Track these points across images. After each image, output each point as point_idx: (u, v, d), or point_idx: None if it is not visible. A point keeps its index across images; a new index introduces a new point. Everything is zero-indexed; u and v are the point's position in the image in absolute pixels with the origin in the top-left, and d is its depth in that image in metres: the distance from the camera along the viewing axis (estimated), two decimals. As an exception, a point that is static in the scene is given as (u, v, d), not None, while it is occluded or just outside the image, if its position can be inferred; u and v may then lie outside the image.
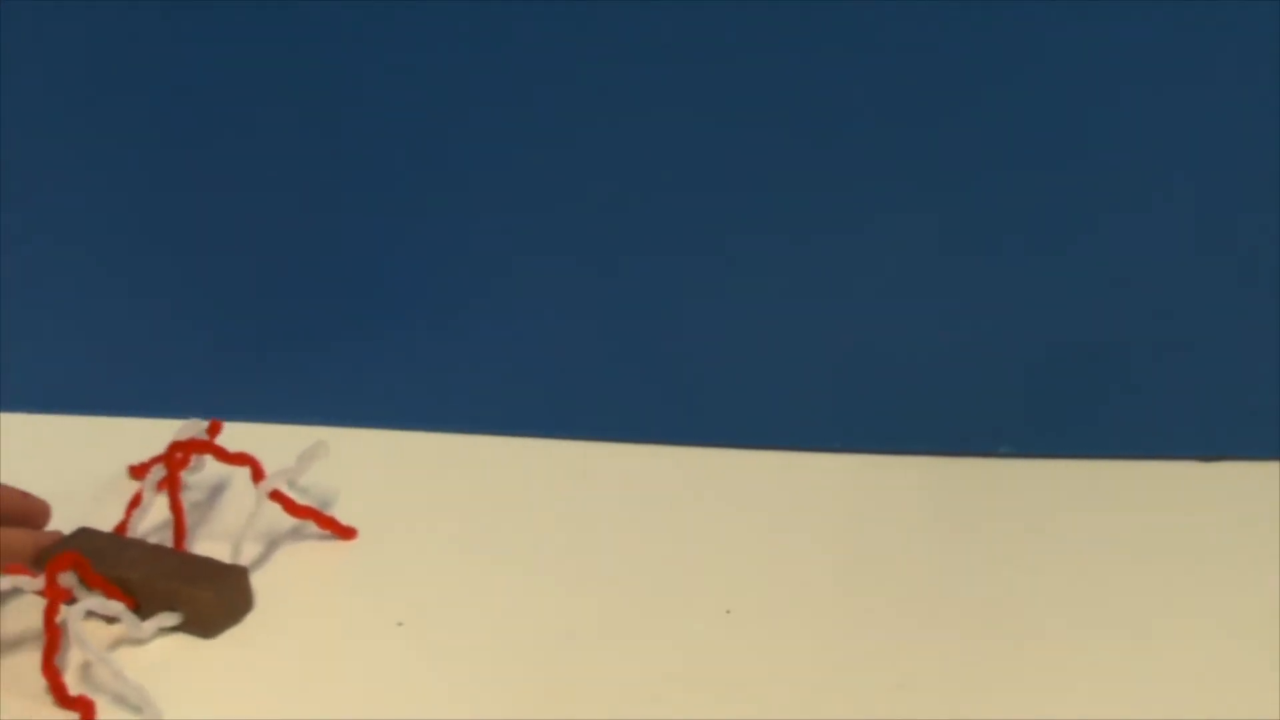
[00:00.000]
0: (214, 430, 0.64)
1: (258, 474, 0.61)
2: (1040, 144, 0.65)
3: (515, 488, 0.67)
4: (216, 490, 0.66)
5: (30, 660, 0.54)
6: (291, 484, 0.62)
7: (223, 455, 0.63)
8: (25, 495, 0.59)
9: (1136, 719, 0.52)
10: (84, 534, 0.59)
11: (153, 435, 0.65)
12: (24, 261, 0.75)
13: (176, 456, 0.63)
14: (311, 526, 0.62)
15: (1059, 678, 0.54)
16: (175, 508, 0.62)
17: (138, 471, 0.66)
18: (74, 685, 0.53)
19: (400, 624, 0.57)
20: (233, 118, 0.71)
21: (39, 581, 0.54)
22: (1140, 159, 0.64)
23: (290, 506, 0.61)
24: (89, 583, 0.55)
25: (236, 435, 0.66)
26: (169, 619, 0.55)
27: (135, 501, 0.63)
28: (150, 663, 0.55)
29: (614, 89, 0.67)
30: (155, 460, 0.64)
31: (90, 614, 0.54)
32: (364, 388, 0.74)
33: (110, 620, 0.55)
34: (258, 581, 0.58)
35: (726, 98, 0.66)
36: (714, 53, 0.65)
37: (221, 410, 0.68)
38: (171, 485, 0.63)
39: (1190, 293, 0.66)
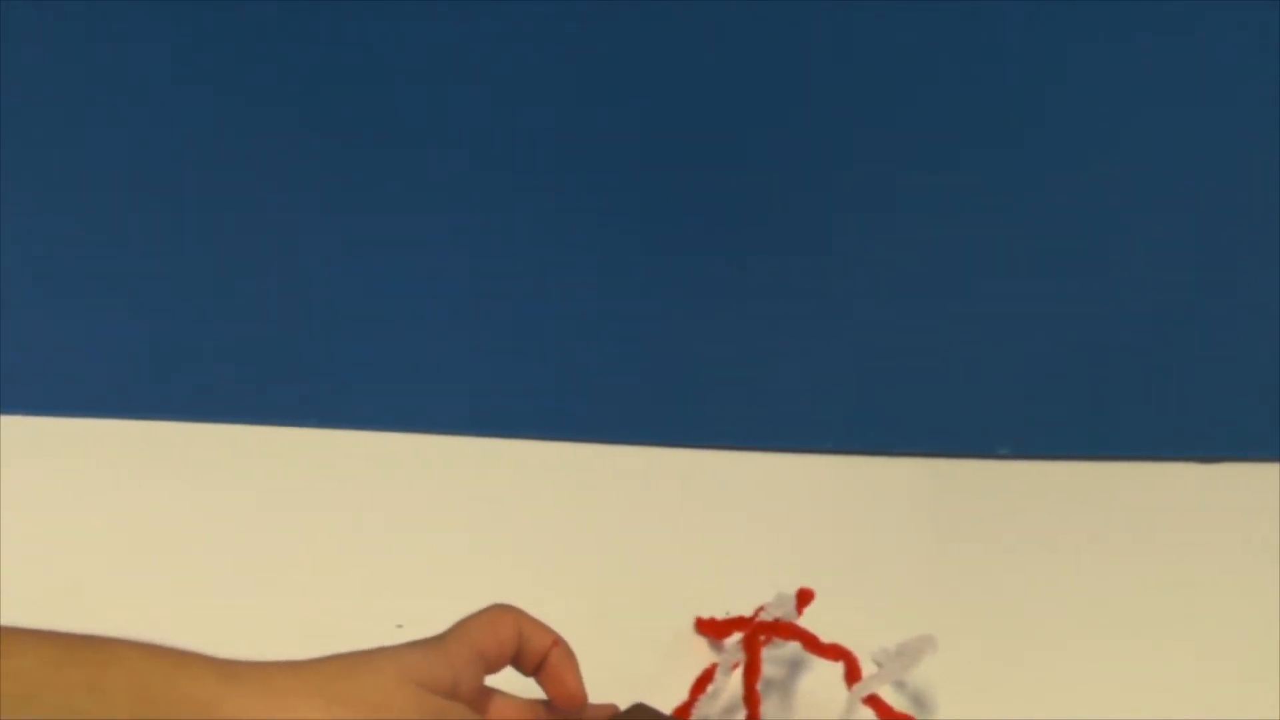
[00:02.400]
0: (803, 600, 0.54)
1: (853, 672, 0.52)
2: (1048, 149, 0.64)
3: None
4: (794, 668, 0.57)
5: None
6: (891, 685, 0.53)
7: (814, 646, 0.53)
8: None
9: (1136, 718, 0.53)
10: (640, 713, 0.50)
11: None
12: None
13: (760, 639, 0.54)
14: (905, 737, 0.53)
15: (1058, 677, 0.55)
16: (750, 699, 0.52)
17: (706, 627, 0.58)
18: None
19: None
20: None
21: None
22: (1142, 164, 0.64)
23: (887, 715, 0.52)
24: None
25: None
26: None
27: (703, 681, 0.54)
28: None
29: (614, 94, 0.66)
30: (731, 624, 0.56)
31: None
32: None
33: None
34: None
35: (726, 99, 0.65)
36: (716, 55, 0.64)
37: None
38: (750, 674, 0.52)
39: (1191, 296, 0.66)
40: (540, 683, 0.48)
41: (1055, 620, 0.58)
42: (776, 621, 0.53)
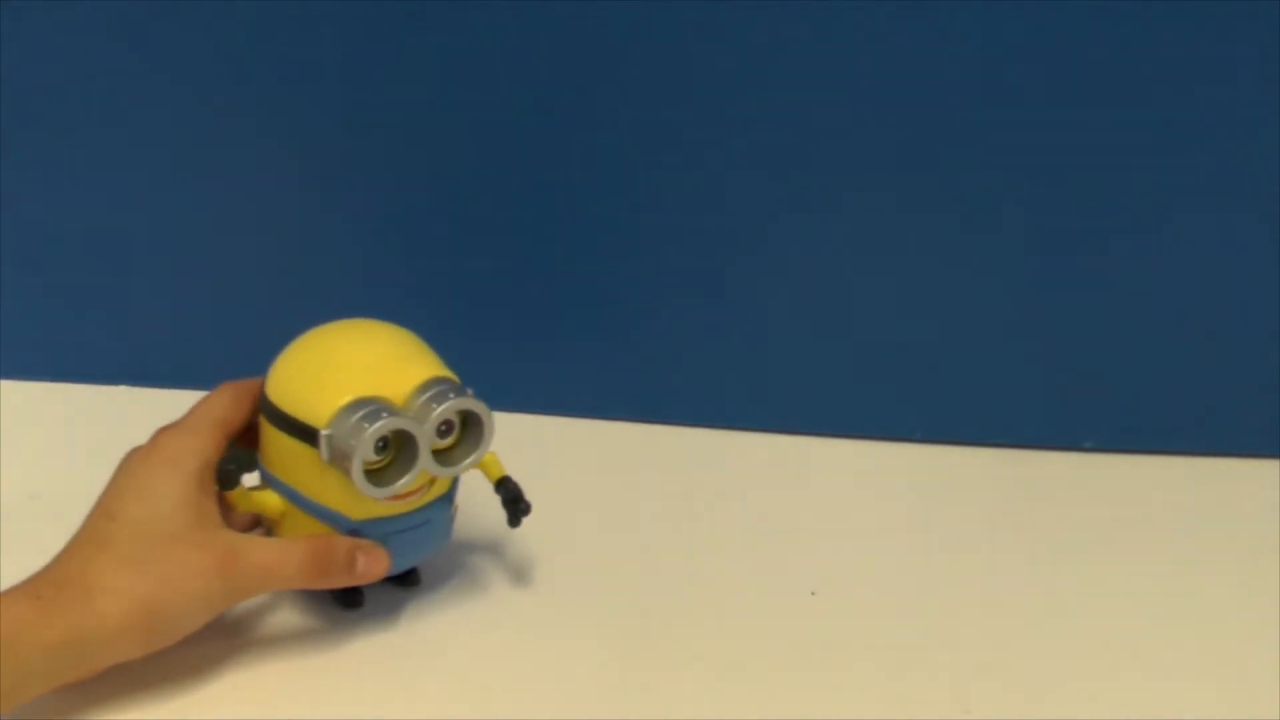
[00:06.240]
0: None
1: None
2: (1150, 155, 0.65)
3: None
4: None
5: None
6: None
7: None
8: None
9: (1216, 715, 0.53)
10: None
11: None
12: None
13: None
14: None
15: (1141, 666, 0.56)
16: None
17: None
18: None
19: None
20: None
21: None
22: (1235, 174, 0.65)
23: None
24: None
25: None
26: None
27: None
28: None
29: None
30: None
31: None
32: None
33: None
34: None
35: (799, 91, 0.65)
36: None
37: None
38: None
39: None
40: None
41: (1135, 609, 0.59)
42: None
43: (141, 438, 0.66)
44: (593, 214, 0.68)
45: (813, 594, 0.59)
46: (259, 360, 0.70)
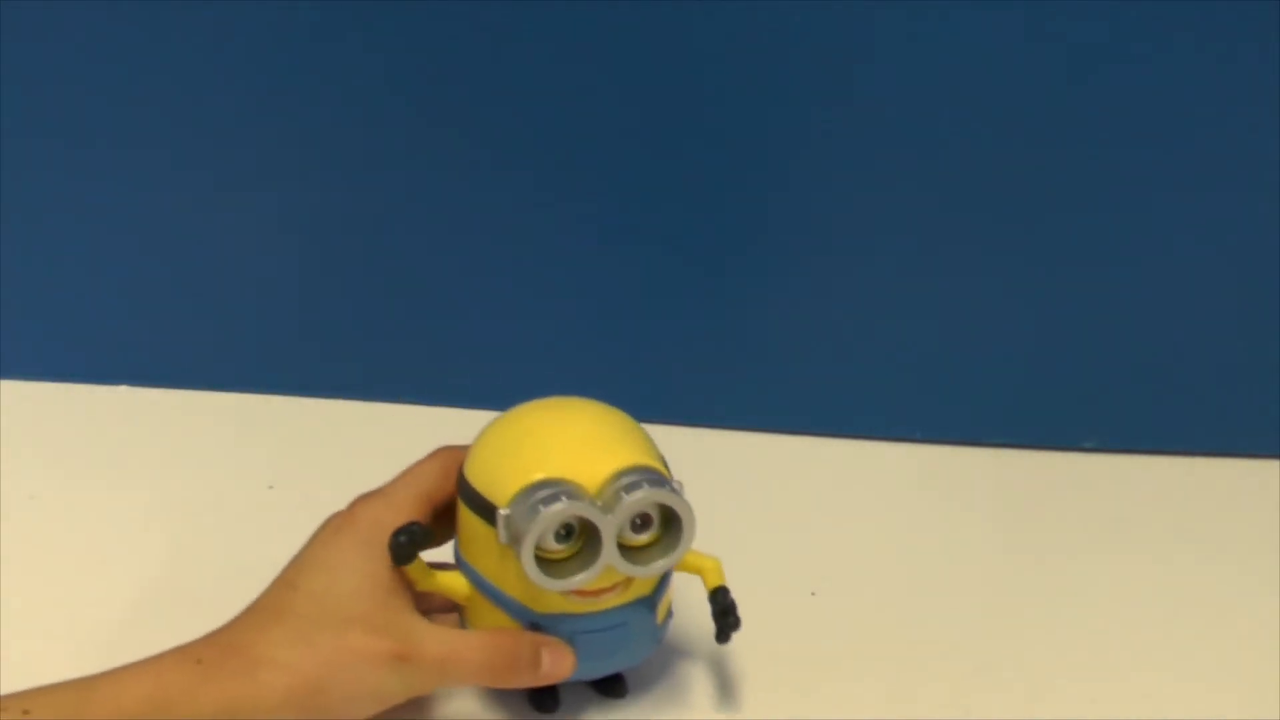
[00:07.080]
0: None
1: None
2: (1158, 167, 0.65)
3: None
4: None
5: None
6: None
7: None
8: None
9: (1216, 714, 0.53)
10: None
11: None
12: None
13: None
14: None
15: (1141, 666, 0.56)
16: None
17: None
18: None
19: None
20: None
21: None
22: (1234, 173, 0.65)
23: None
24: None
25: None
26: None
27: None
28: None
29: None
30: None
31: None
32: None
33: None
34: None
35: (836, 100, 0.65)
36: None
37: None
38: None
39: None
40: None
41: (1134, 611, 0.59)
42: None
43: (141, 437, 0.68)
44: (588, 213, 0.68)
45: (813, 594, 0.59)
46: (258, 362, 0.72)
